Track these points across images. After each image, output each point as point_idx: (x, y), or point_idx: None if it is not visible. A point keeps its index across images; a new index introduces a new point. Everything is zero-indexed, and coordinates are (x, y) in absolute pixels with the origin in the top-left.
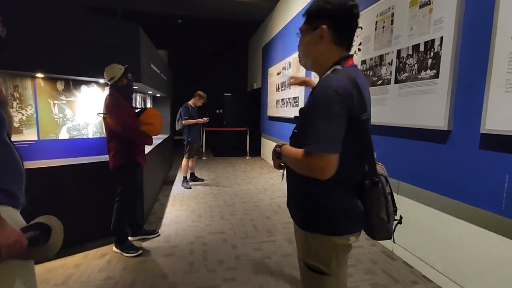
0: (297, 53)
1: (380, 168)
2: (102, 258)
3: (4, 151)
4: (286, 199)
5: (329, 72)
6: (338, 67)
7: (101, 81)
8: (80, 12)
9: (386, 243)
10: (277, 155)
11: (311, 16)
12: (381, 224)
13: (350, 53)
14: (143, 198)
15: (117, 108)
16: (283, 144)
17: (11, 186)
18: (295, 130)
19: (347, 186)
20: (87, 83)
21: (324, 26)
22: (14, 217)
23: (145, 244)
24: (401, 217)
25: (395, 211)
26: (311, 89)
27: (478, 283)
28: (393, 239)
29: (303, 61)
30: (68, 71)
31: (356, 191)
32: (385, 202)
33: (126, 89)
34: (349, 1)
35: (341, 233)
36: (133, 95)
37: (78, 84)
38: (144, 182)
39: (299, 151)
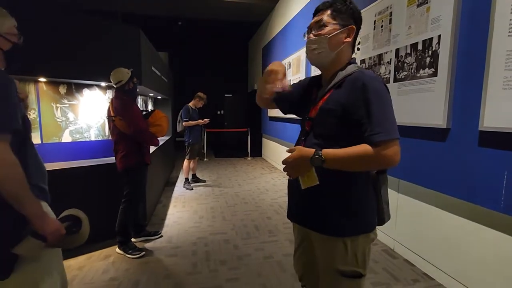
0: (297, 53)
1: None
2: (106, 259)
3: (33, 153)
4: (295, 210)
5: (353, 68)
6: (358, 65)
7: (103, 84)
8: (80, 16)
9: (388, 242)
10: (318, 163)
11: (340, 13)
12: (386, 208)
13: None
14: (145, 199)
15: (127, 110)
16: (317, 151)
17: (42, 184)
18: (307, 130)
19: (368, 179)
20: (89, 86)
21: (353, 27)
22: (48, 210)
23: (148, 245)
24: None
25: None
26: (329, 85)
27: (479, 280)
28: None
29: (322, 53)
30: (70, 75)
31: None
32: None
33: (132, 93)
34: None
35: (374, 227)
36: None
37: (80, 87)
38: (146, 183)
39: (362, 147)
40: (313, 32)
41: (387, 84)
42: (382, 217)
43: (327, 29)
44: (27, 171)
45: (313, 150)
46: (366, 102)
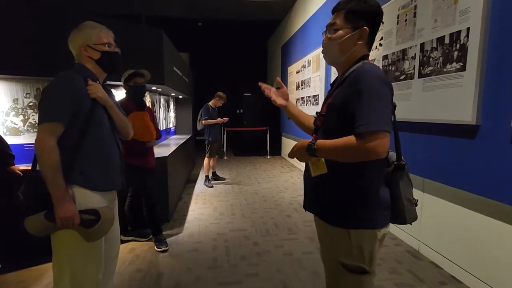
0: (316, 50)
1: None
2: (131, 252)
3: (94, 145)
4: (308, 199)
5: (359, 64)
6: (366, 61)
7: None
8: (107, 19)
9: (412, 242)
10: (312, 152)
11: (353, 15)
12: (408, 206)
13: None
14: (148, 202)
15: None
16: (312, 140)
17: (90, 172)
18: (318, 125)
19: (380, 174)
20: (114, 86)
21: (366, 28)
22: (87, 198)
23: (170, 240)
24: (416, 200)
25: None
26: (337, 82)
27: (511, 284)
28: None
29: (334, 56)
30: None
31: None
32: (410, 183)
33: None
34: (379, 7)
35: (382, 225)
36: (158, 98)
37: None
38: (168, 180)
39: (348, 138)
40: (327, 34)
41: (411, 80)
42: (402, 215)
43: (339, 33)
44: (75, 158)
45: (309, 140)
46: (358, 93)
